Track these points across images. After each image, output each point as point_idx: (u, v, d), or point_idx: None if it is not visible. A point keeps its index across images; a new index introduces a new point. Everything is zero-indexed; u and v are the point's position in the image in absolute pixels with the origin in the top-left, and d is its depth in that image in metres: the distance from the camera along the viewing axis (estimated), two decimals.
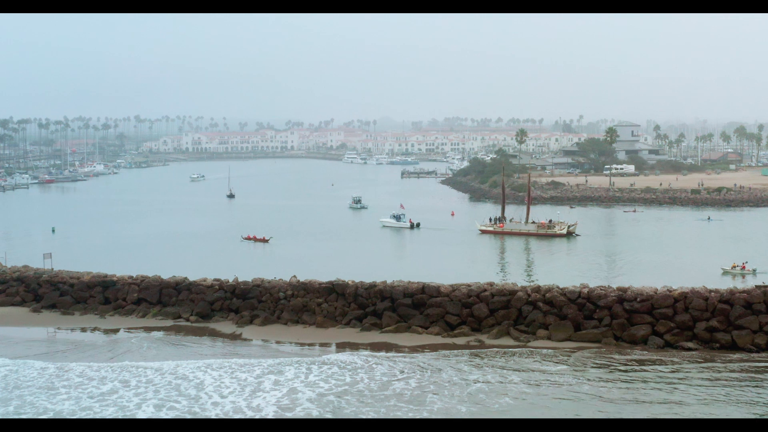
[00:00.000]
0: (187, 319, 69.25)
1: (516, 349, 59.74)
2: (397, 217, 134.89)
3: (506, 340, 62.36)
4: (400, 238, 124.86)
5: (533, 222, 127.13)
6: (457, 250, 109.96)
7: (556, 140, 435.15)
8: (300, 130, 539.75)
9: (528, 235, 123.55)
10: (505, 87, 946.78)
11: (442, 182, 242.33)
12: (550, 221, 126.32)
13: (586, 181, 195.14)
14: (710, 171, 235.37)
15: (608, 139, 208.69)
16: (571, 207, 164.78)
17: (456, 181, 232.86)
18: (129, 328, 67.36)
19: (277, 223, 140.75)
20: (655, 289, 64.49)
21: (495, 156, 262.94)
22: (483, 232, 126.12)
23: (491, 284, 68.13)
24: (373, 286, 68.57)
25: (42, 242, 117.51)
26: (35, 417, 45.09)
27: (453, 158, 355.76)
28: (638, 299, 63.05)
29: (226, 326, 67.64)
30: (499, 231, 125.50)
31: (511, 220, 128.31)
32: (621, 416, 45.06)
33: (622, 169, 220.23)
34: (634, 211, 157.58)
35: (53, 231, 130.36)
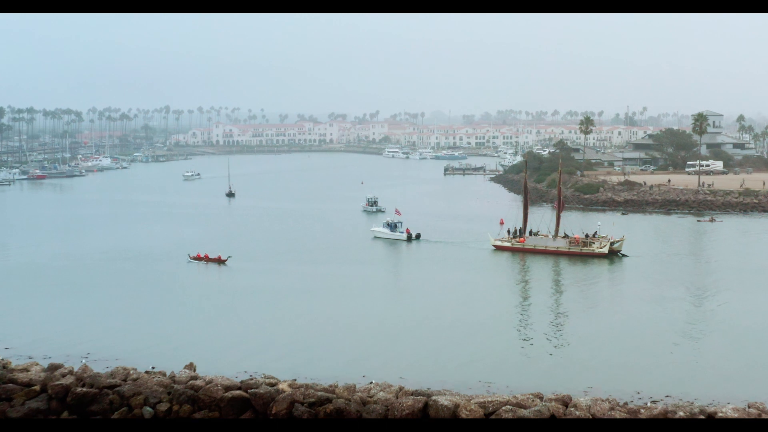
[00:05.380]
0: None
1: None
2: (392, 226, 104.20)
3: None
4: (393, 256, 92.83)
5: (564, 236, 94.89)
6: (465, 281, 76.67)
7: (619, 134, 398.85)
8: (340, 123, 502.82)
9: (557, 254, 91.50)
10: (561, 80, 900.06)
11: (492, 179, 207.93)
12: (588, 236, 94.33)
13: (669, 181, 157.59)
14: None
15: (696, 129, 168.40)
16: (623, 213, 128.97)
17: (507, 179, 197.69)
18: None
19: (263, 231, 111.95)
20: None
21: (554, 150, 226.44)
22: (497, 248, 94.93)
23: (566, 402, 33.41)
24: (325, 399, 34.39)
25: None
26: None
27: (505, 152, 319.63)
28: None
29: None
30: (518, 248, 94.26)
31: (536, 234, 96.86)
32: None
33: (708, 166, 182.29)
34: (712, 219, 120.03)
35: None
